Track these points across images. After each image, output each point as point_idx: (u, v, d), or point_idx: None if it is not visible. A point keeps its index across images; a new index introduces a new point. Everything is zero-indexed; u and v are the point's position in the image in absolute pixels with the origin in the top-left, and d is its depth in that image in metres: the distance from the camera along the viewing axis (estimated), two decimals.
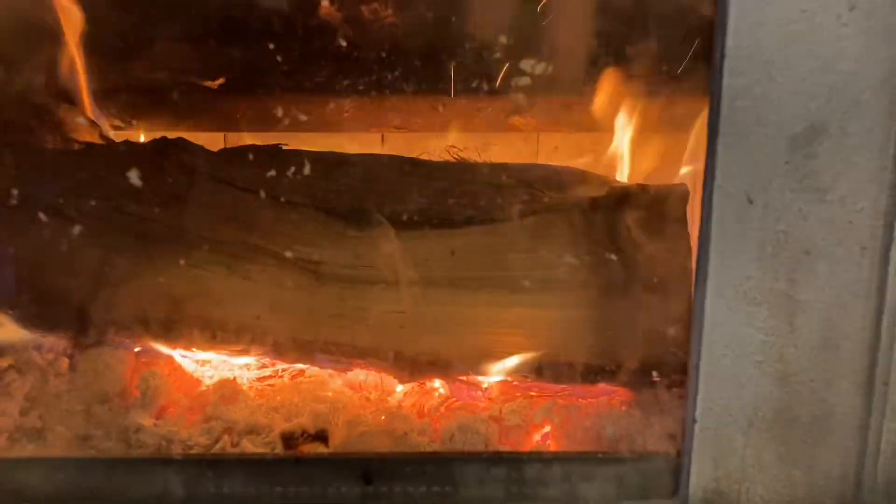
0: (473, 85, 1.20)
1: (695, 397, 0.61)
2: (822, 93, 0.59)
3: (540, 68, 0.87)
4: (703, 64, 0.83)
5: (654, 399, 0.87)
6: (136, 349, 0.97)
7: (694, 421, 0.63)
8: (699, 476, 0.68)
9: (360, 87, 1.21)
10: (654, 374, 0.79)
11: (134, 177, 0.88)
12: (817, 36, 0.58)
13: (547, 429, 0.92)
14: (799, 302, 0.63)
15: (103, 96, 1.18)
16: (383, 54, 1.18)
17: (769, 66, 0.55)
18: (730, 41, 0.54)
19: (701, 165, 0.75)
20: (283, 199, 0.93)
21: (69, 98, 1.14)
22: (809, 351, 0.64)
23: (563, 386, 0.92)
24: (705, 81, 0.70)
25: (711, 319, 0.60)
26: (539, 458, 0.79)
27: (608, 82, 0.98)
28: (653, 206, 0.90)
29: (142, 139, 1.10)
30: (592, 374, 0.87)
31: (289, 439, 0.84)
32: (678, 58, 0.78)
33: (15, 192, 0.89)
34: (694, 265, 0.61)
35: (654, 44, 0.81)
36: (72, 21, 1.14)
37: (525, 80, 0.85)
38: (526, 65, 0.89)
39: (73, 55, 1.14)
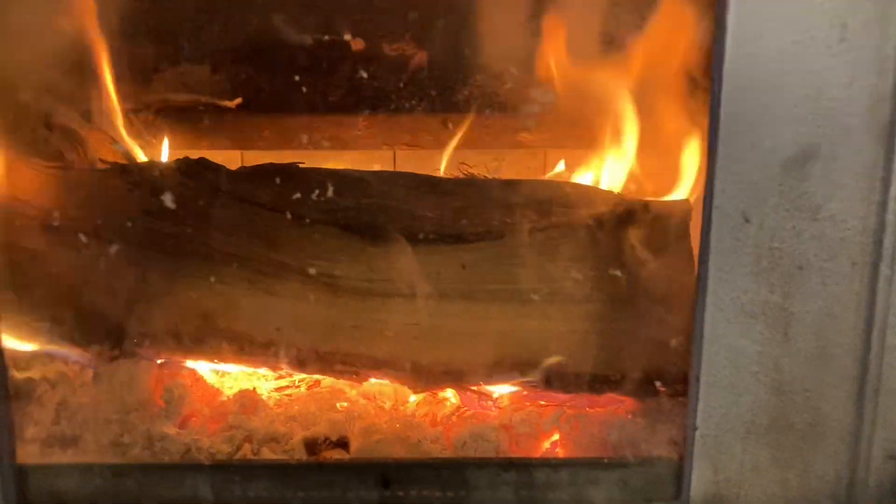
0: (483, 103, 1.24)
1: (695, 406, 0.65)
2: (813, 119, 0.63)
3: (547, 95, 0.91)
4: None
5: (658, 407, 0.90)
6: (160, 361, 1.01)
7: (695, 428, 0.67)
8: (700, 480, 0.72)
9: (373, 107, 1.25)
10: (658, 384, 0.82)
11: (165, 197, 0.92)
12: (809, 65, 0.62)
13: (556, 436, 0.95)
14: (793, 314, 0.67)
15: (126, 116, 1.22)
16: (397, 75, 1.21)
17: (763, 94, 0.59)
18: (727, 71, 0.58)
19: (695, 184, 0.80)
20: (302, 216, 0.97)
21: (94, 120, 1.18)
22: (803, 361, 0.68)
23: (571, 395, 0.96)
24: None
25: (711, 331, 0.64)
26: (548, 463, 0.82)
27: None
28: (657, 221, 0.93)
29: (163, 158, 1.15)
30: (599, 383, 0.90)
31: (312, 445, 0.88)
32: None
33: (55, 213, 0.93)
34: (695, 281, 0.65)
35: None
36: (98, 44, 1.18)
37: (533, 103, 0.88)
38: (535, 92, 0.93)
39: (101, 77, 1.17)
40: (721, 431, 0.68)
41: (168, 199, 0.96)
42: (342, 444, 0.88)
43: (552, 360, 0.94)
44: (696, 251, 0.71)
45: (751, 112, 0.60)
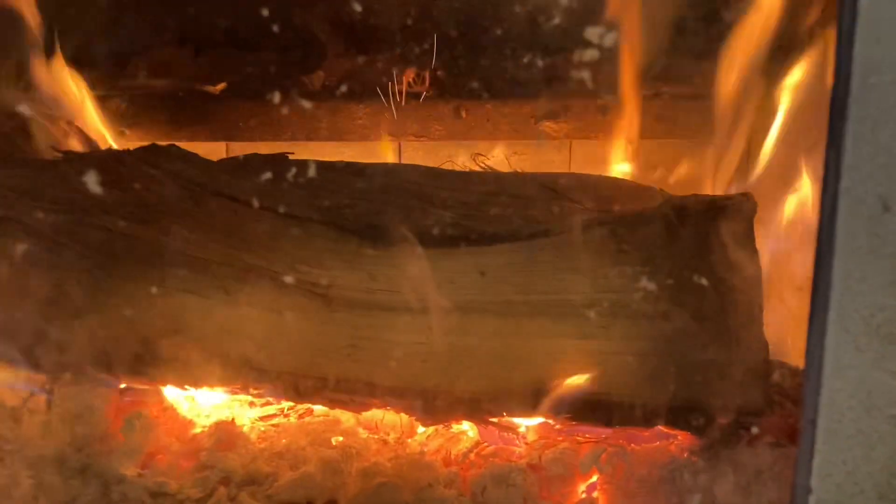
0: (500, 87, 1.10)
1: (809, 460, 0.48)
2: None
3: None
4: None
5: (748, 460, 0.73)
6: (122, 386, 0.85)
7: (808, 492, 0.49)
8: None
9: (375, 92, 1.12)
10: (754, 430, 0.66)
11: (106, 187, 0.76)
12: None
13: (594, 478, 0.79)
14: None
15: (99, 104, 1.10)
16: (399, 53, 1.08)
17: None
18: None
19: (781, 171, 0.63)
20: (288, 214, 0.81)
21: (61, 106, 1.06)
22: None
23: (612, 430, 0.80)
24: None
25: (834, 360, 0.47)
26: None
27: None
28: (713, 221, 0.78)
29: None
30: (652, 416, 0.74)
31: None
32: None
33: None
34: (810, 291, 0.48)
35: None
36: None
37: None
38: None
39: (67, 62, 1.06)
40: (845, 496, 0.50)
41: (129, 194, 0.81)
42: None
43: (591, 385, 0.77)
44: (806, 251, 0.54)
45: None
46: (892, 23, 0.42)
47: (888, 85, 0.43)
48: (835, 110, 0.44)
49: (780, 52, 0.73)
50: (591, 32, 0.68)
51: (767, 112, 0.77)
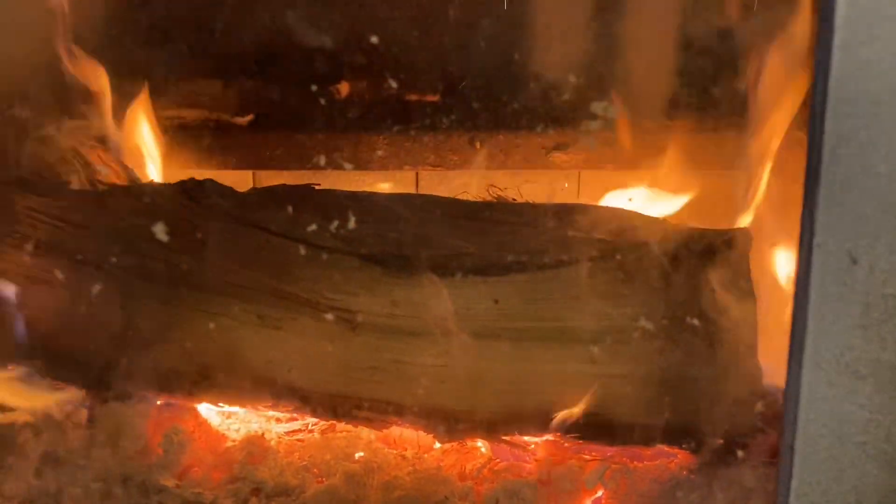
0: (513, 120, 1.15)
1: (788, 481, 0.54)
2: None
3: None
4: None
5: (719, 460, 0.79)
6: (159, 402, 0.92)
7: None
8: None
9: (394, 125, 1.17)
10: (739, 452, 0.72)
11: (160, 222, 0.83)
12: None
13: (599, 493, 0.85)
14: None
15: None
16: (419, 90, 1.14)
17: (877, 109, 0.49)
18: (833, 81, 0.48)
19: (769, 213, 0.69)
20: (318, 245, 0.87)
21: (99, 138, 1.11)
22: None
23: (617, 448, 0.85)
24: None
25: (808, 394, 0.53)
26: None
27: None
28: (714, 252, 0.83)
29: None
30: (654, 436, 0.80)
31: None
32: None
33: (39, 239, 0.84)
34: (788, 333, 0.54)
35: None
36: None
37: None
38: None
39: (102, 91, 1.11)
40: None
41: (168, 226, 0.87)
42: None
43: (596, 406, 0.83)
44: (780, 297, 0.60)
45: (861, 130, 0.50)
46: (858, 102, 0.48)
47: (854, 155, 0.49)
48: (809, 175, 0.50)
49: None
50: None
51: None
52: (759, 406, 0.69)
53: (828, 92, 0.48)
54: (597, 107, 0.75)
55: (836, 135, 0.49)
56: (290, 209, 0.89)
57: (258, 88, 1.19)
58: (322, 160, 1.19)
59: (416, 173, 1.22)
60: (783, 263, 0.83)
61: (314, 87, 1.18)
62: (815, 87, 0.49)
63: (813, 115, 0.49)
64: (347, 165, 1.16)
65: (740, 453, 0.72)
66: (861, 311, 0.53)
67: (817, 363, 0.53)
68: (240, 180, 1.19)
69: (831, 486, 0.55)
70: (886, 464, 0.54)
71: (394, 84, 1.17)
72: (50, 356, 0.88)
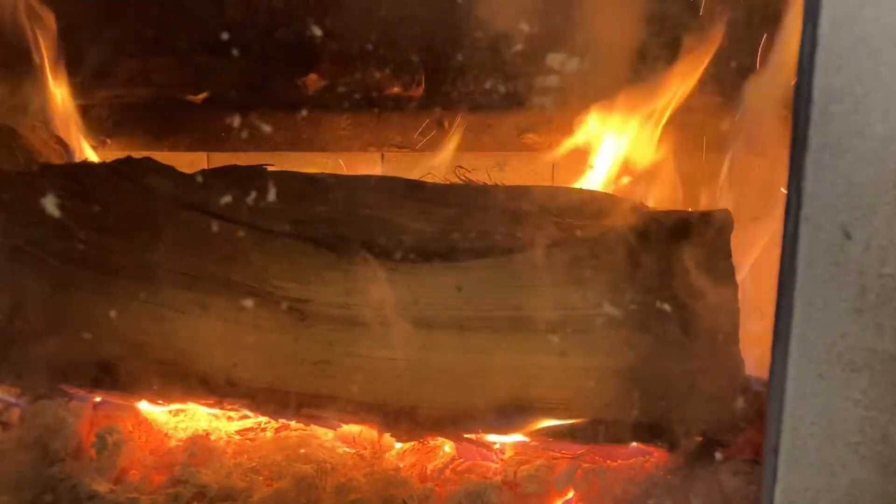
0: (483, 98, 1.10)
1: (772, 488, 0.48)
2: None
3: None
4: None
5: (696, 458, 0.74)
6: (96, 400, 0.85)
7: None
8: None
9: (357, 102, 1.11)
10: (718, 455, 0.66)
11: (78, 200, 0.76)
12: None
13: (570, 495, 0.79)
14: None
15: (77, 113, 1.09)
16: (380, 63, 1.08)
17: (875, 59, 0.42)
18: (824, 28, 0.42)
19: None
20: (266, 228, 0.81)
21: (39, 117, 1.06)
22: None
23: (589, 446, 0.79)
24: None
25: (795, 390, 0.47)
26: None
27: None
28: (692, 235, 0.77)
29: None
30: (624, 433, 0.74)
31: None
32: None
33: None
34: (771, 320, 0.48)
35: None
36: (44, 34, 1.06)
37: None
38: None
39: (45, 70, 1.06)
40: None
41: (103, 206, 0.80)
42: None
43: (566, 403, 0.77)
44: (766, 279, 0.54)
45: (856, 85, 0.43)
46: (852, 52, 0.42)
47: (848, 114, 0.43)
48: (796, 139, 0.44)
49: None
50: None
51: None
52: (741, 402, 0.62)
53: (817, 41, 0.41)
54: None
55: (827, 91, 0.42)
56: (237, 191, 0.82)
57: (213, 64, 1.13)
58: (279, 140, 1.13)
59: (382, 155, 1.15)
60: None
61: (273, 64, 1.12)
62: (803, 35, 0.42)
63: (801, 68, 0.43)
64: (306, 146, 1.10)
65: (719, 455, 0.66)
66: (856, 294, 0.46)
67: (806, 353, 0.46)
68: (194, 162, 1.13)
69: (821, 493, 0.48)
70: (883, 467, 0.48)
71: (359, 62, 1.11)
72: None
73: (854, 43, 0.42)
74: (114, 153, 1.04)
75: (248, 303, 0.80)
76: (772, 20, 0.66)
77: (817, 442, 0.48)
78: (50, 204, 0.75)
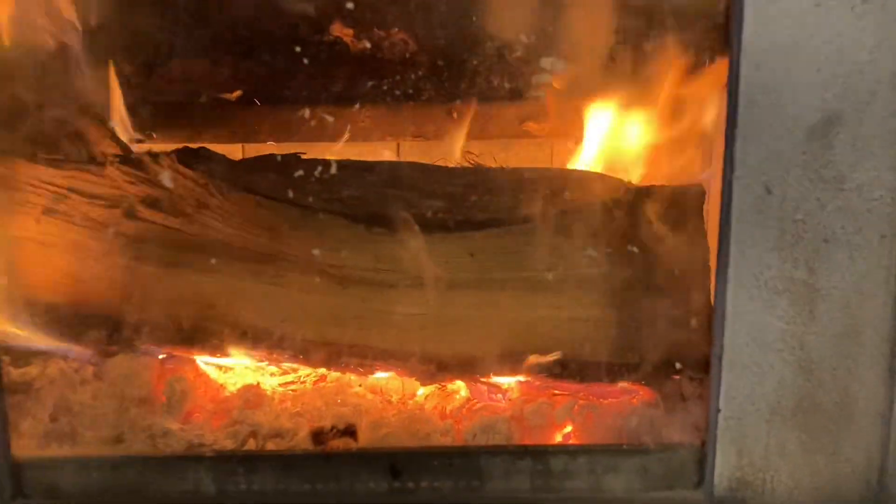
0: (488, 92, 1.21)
1: (718, 387, 0.62)
2: (837, 83, 0.60)
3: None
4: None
5: (678, 392, 0.87)
6: (161, 356, 0.98)
7: (717, 411, 0.64)
8: (724, 466, 0.69)
9: (378, 97, 1.23)
10: (678, 365, 0.80)
11: (162, 185, 0.89)
12: (832, 27, 0.59)
13: (569, 428, 0.92)
14: (819, 290, 0.64)
15: (126, 111, 1.20)
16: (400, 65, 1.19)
17: (785, 58, 0.57)
18: (747, 34, 0.56)
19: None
20: (305, 206, 0.94)
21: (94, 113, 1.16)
22: (830, 339, 0.65)
23: (585, 385, 0.93)
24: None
25: (733, 309, 0.61)
26: (565, 450, 0.80)
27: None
28: (670, 206, 0.91)
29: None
30: (615, 371, 0.88)
31: (318, 435, 0.86)
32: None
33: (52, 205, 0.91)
34: (714, 257, 0.62)
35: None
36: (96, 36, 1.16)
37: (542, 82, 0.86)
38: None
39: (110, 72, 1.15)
40: (745, 414, 0.65)
41: (168, 190, 0.94)
42: (350, 432, 0.86)
43: (564, 348, 0.91)
44: (713, 226, 0.68)
45: (772, 77, 0.57)
46: (769, 52, 0.56)
47: (765, 100, 0.57)
48: (729, 119, 0.58)
49: None
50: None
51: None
52: (693, 322, 0.76)
53: (742, 43, 0.56)
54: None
55: (751, 82, 0.57)
56: (278, 175, 0.96)
57: (246, 66, 1.24)
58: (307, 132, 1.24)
59: (398, 144, 1.28)
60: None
61: (301, 65, 1.23)
62: (731, 40, 0.56)
63: (730, 65, 0.57)
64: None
65: (678, 364, 0.80)
66: (776, 235, 0.60)
67: (740, 281, 0.61)
68: (230, 153, 1.25)
69: (755, 388, 0.63)
70: (801, 369, 0.62)
71: (376, 60, 1.22)
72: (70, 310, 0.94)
73: (769, 46, 0.56)
74: (158, 146, 1.16)
75: (293, 269, 0.94)
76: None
77: (751, 350, 0.62)
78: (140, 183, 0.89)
